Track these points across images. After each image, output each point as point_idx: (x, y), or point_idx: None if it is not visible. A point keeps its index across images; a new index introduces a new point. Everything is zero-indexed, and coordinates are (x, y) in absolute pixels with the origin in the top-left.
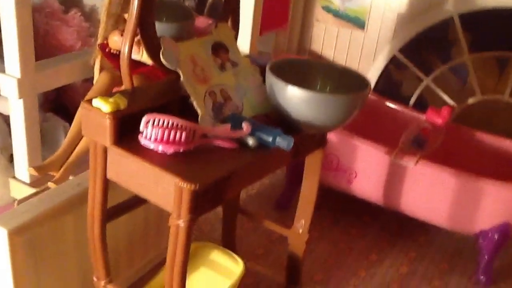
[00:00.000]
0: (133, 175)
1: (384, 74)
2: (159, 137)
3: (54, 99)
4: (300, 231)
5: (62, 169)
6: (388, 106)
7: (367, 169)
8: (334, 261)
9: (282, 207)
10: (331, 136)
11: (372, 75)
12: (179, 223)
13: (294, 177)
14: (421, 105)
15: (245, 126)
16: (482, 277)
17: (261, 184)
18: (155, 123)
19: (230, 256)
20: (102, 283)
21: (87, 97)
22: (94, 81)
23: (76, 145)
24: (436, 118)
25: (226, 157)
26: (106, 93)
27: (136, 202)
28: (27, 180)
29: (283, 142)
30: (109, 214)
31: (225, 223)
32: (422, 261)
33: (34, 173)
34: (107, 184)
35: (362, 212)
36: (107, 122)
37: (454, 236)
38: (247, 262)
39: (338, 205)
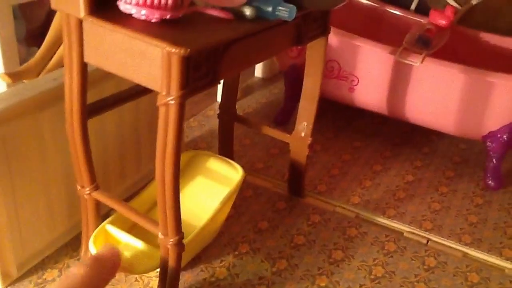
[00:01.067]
0: (114, 52)
1: None
2: (142, 1)
3: (39, 34)
4: (302, 134)
5: (39, 76)
6: (389, 12)
7: (369, 73)
8: (338, 172)
9: (281, 123)
10: (332, 41)
11: None
12: (168, 101)
13: (293, 91)
14: (422, 11)
15: None
16: (490, 181)
17: (257, 102)
18: None
19: (228, 163)
20: (87, 190)
21: None
22: None
23: (55, 50)
24: (440, 19)
25: (220, 28)
26: None
27: (120, 98)
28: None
29: (285, 12)
30: (90, 109)
31: (221, 135)
32: (427, 169)
33: (8, 80)
34: (85, 70)
35: (364, 125)
36: None
37: (458, 145)
38: (247, 176)
39: (339, 118)
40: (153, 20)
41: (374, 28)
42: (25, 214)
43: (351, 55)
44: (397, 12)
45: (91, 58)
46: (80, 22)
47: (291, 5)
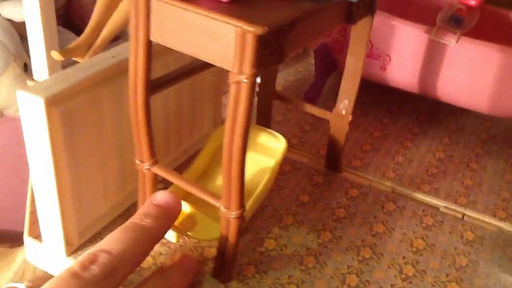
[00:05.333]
0: (183, 31)
1: None
2: None
3: (62, 14)
4: (344, 112)
5: (88, 54)
6: None
7: (403, 52)
8: (370, 148)
9: (311, 99)
10: None
11: None
12: (241, 79)
13: (324, 69)
14: None
15: None
16: None
17: (285, 80)
18: None
19: (272, 134)
20: (146, 165)
21: None
22: None
23: (103, 26)
24: None
25: (285, 6)
26: None
27: (182, 73)
28: None
29: None
30: (153, 85)
31: (260, 112)
32: (456, 146)
33: (59, 57)
34: (150, 48)
35: (390, 102)
36: None
37: (484, 123)
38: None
39: (365, 95)
40: (224, 0)
41: (403, 7)
42: (85, 185)
43: (384, 34)
44: None
45: (158, 37)
46: (148, 2)
47: None
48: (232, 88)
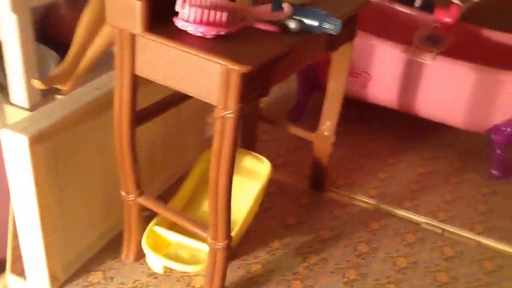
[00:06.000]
0: (168, 67)
1: None
2: (198, 18)
3: (39, 29)
4: (326, 133)
5: (70, 81)
6: (396, 10)
7: (382, 71)
8: (354, 166)
9: (295, 118)
10: None
11: None
12: (226, 114)
13: (306, 88)
14: (427, 8)
15: (286, 7)
16: (495, 171)
17: (269, 97)
18: (193, 1)
19: (256, 158)
20: (131, 196)
21: None
22: None
23: (84, 52)
24: (445, 16)
25: (268, 41)
26: None
27: (167, 103)
28: (26, 105)
29: (332, 26)
30: (139, 117)
31: (245, 132)
32: (436, 161)
33: (40, 86)
34: (135, 81)
35: (372, 119)
36: (139, 5)
37: (463, 137)
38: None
39: (349, 112)
40: (208, 36)
41: (381, 24)
42: (70, 218)
43: (364, 53)
44: (403, 9)
45: (144, 71)
46: (133, 38)
47: (337, 20)
48: (218, 122)
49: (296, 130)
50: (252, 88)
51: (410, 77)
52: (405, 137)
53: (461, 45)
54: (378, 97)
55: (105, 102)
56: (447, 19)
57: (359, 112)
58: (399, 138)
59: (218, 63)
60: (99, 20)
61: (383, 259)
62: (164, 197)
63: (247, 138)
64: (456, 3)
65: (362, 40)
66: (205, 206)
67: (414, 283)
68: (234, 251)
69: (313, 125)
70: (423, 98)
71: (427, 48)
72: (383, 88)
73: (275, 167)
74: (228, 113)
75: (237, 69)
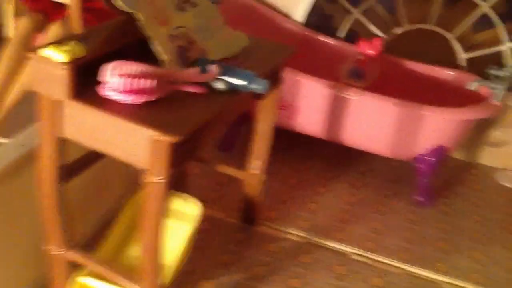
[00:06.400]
0: (97, 131)
1: (315, 8)
2: (128, 87)
3: None
4: (257, 172)
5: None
6: (320, 40)
7: (309, 104)
8: (286, 197)
9: (226, 149)
10: None
11: (303, 8)
12: (156, 180)
13: (236, 119)
14: (351, 38)
15: (213, 68)
16: (421, 198)
17: None
18: (121, 71)
19: (186, 199)
20: (61, 251)
21: (11, 47)
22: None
23: (6, 93)
24: (369, 49)
25: (197, 104)
26: (29, 41)
27: (93, 158)
28: None
29: (260, 86)
30: (67, 172)
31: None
32: (365, 189)
33: None
34: (62, 143)
35: (304, 148)
36: (64, 73)
37: (391, 164)
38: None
39: (280, 142)
40: (138, 103)
41: (307, 53)
42: None
43: (292, 87)
44: (328, 40)
45: (71, 134)
46: (60, 103)
47: (265, 81)
48: (148, 189)
49: (225, 168)
50: (182, 152)
51: (336, 111)
52: (335, 164)
53: (385, 76)
54: (306, 128)
55: (30, 159)
56: (371, 52)
57: (288, 141)
58: (329, 166)
59: (147, 132)
60: (21, 58)
61: None
62: (91, 243)
63: (177, 175)
64: (379, 36)
65: (288, 75)
66: (135, 251)
67: None
68: None
69: (246, 158)
70: (350, 130)
71: (352, 83)
72: (309, 120)
73: (207, 202)
74: (158, 179)
75: (166, 139)
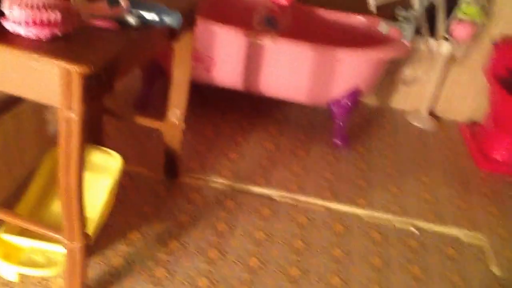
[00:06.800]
0: (3, 71)
1: None
2: (31, 19)
3: None
4: (175, 121)
5: None
6: None
7: (225, 54)
8: (204, 148)
9: (141, 107)
10: None
11: None
12: (70, 115)
13: (150, 74)
14: None
15: (124, 2)
16: (338, 141)
17: None
18: (21, 2)
19: (105, 153)
20: None
21: None
22: None
23: None
24: None
25: (108, 39)
26: None
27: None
28: None
29: (173, 20)
30: None
31: (91, 126)
32: (283, 136)
33: None
34: None
35: (219, 100)
36: None
37: (305, 111)
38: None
39: (194, 95)
40: (43, 38)
41: (221, 9)
42: None
43: (206, 38)
44: None
45: None
46: None
47: (177, 14)
48: (62, 126)
49: (143, 120)
50: (95, 86)
51: (252, 59)
52: (251, 115)
53: (299, 25)
54: (223, 80)
55: None
56: (283, 1)
57: (204, 95)
58: (245, 117)
59: (56, 65)
60: None
61: (242, 235)
62: (10, 202)
63: (94, 133)
64: None
65: (203, 26)
66: (56, 206)
67: (273, 254)
68: (92, 248)
69: (162, 113)
70: (266, 78)
71: (266, 30)
72: (227, 71)
73: (126, 159)
74: (73, 115)
75: (77, 70)
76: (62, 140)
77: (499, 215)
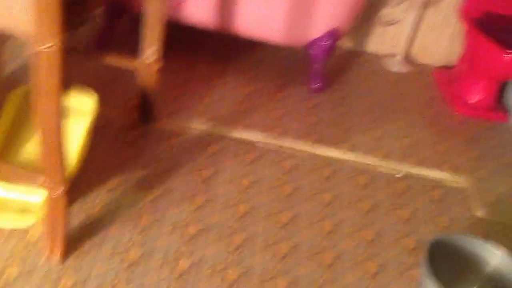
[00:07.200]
0: None
1: None
2: None
3: None
4: (150, 60)
5: None
6: None
7: None
8: (181, 91)
9: (103, 46)
10: None
11: None
12: (45, 48)
13: (112, 10)
14: None
15: None
16: (316, 84)
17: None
18: None
19: (77, 92)
20: None
21: None
22: None
23: None
24: None
25: None
26: None
27: None
28: None
29: None
30: None
31: None
32: (259, 80)
33: None
34: None
35: (191, 41)
36: None
37: (281, 54)
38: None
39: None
40: None
41: None
42: None
43: None
44: None
45: None
46: None
47: None
48: (37, 58)
49: (115, 60)
50: (70, 13)
51: None
52: (226, 58)
53: None
54: (195, 18)
55: None
56: None
57: (175, 36)
58: (219, 59)
59: None
60: None
61: (227, 181)
62: None
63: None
64: None
65: None
66: (26, 152)
67: (261, 199)
68: (71, 195)
69: (127, 53)
70: (241, 16)
71: None
72: (199, 8)
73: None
74: (48, 47)
75: None
76: (36, 77)
77: (478, 157)
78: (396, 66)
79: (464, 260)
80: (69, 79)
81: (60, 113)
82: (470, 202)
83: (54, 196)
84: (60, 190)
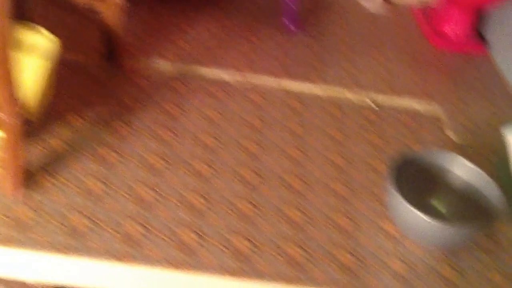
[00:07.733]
0: None
1: None
2: None
3: None
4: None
5: None
6: None
7: None
8: (148, 36)
9: None
10: None
11: None
12: None
13: None
14: None
15: None
16: (290, 23)
17: None
18: None
19: (37, 31)
20: None
21: None
22: None
23: None
24: None
25: None
26: None
27: None
28: None
29: None
30: None
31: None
32: (231, 20)
33: None
34: None
35: None
36: None
37: None
38: None
39: None
40: None
41: None
42: None
43: None
44: None
45: None
46: None
47: None
48: None
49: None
50: None
51: None
52: (195, 2)
53: None
54: None
55: None
56: None
57: None
58: (188, 4)
59: None
60: None
61: (196, 117)
62: None
63: (19, 14)
64: None
65: None
66: None
67: (231, 132)
68: (30, 130)
69: None
70: None
71: None
72: None
73: (61, 46)
74: None
75: None
76: None
77: (454, 87)
78: (373, 5)
79: (431, 173)
80: (29, 16)
81: (8, 42)
82: (444, 128)
83: (11, 127)
84: (18, 120)
